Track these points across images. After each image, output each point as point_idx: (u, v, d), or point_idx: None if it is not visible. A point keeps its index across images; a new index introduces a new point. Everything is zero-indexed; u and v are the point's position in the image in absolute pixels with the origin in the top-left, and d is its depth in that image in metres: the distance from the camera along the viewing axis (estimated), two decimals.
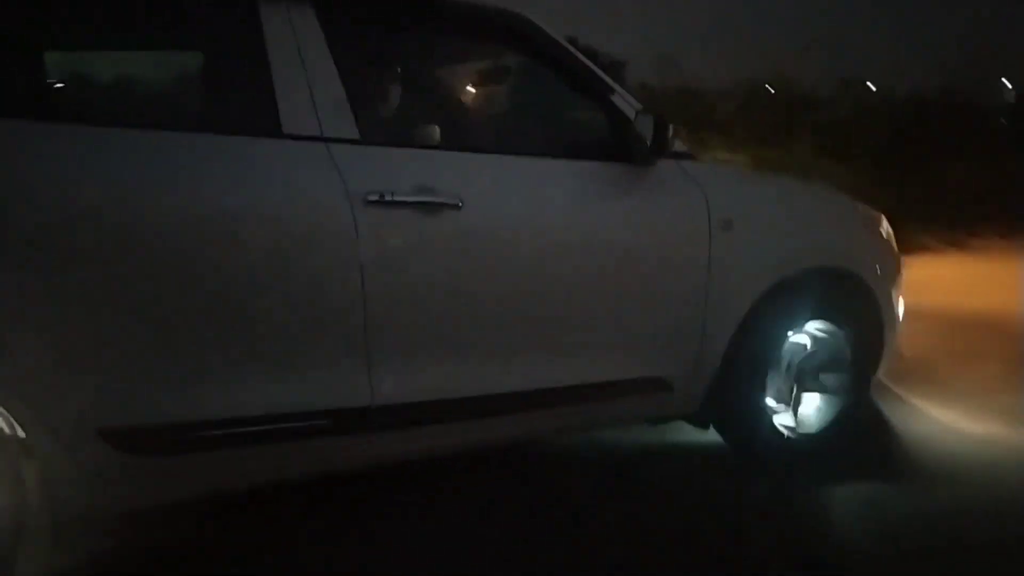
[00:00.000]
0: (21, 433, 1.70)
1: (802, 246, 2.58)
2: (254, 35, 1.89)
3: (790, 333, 2.62)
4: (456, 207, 2.01)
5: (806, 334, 2.69)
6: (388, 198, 1.92)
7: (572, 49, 2.30)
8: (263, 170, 1.85)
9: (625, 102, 2.32)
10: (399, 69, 2.33)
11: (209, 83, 2.13)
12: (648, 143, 2.23)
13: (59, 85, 2.13)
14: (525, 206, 2.16)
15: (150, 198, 1.72)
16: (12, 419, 1.67)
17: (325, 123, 1.92)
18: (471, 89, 2.55)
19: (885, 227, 2.92)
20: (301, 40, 1.93)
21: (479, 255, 2.08)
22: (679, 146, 2.39)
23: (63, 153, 1.65)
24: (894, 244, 2.95)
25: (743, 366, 2.49)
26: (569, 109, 2.44)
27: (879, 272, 2.76)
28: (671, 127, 2.22)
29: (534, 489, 2.45)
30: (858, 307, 2.71)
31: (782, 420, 2.67)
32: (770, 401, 2.64)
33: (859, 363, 2.73)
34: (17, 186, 1.62)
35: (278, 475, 1.96)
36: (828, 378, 2.70)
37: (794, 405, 2.68)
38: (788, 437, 2.66)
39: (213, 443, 1.82)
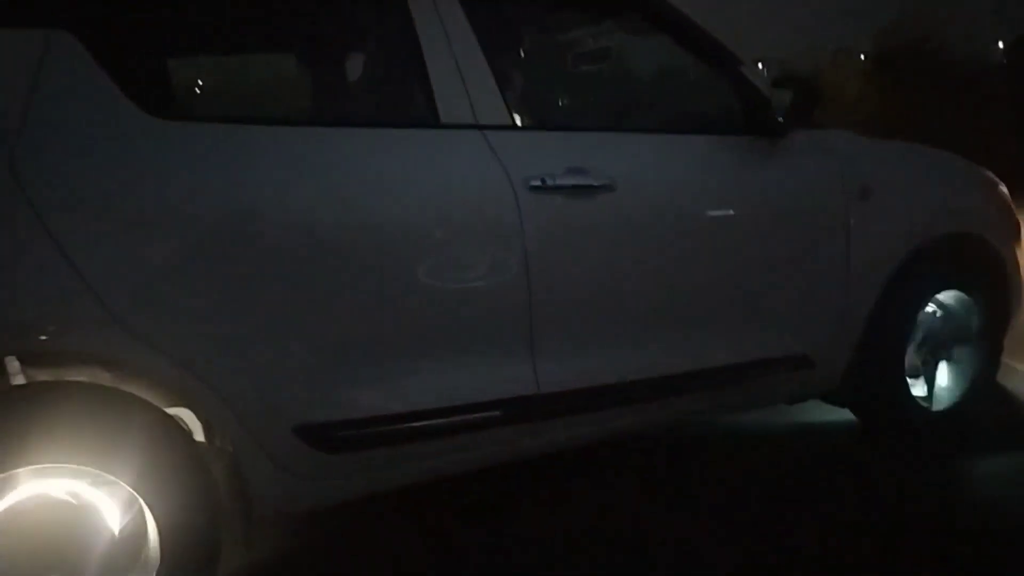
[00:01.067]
0: (212, 434, 1.72)
1: (937, 212, 2.53)
2: (406, 26, 1.87)
3: (927, 302, 2.57)
4: (610, 189, 1.98)
5: (939, 303, 2.65)
6: (549, 183, 1.90)
7: (701, 25, 2.28)
8: (427, 160, 1.84)
9: (755, 74, 2.29)
10: (538, 52, 2.31)
11: (370, 79, 2.12)
12: (782, 114, 2.21)
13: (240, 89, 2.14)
14: (671, 184, 2.13)
15: (331, 197, 1.71)
16: (207, 419, 1.68)
17: (478, 110, 1.91)
18: (601, 67, 2.51)
19: (1004, 191, 2.86)
20: (449, 30, 1.91)
21: (633, 237, 2.04)
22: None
23: (262, 152, 1.65)
24: (1013, 208, 2.89)
25: (884, 339, 2.45)
26: (698, 85, 2.40)
27: (1005, 236, 2.70)
28: (814, 94, 2.19)
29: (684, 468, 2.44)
30: (987, 274, 2.66)
31: (918, 393, 2.63)
32: (908, 377, 2.60)
33: (989, 332, 2.68)
34: (223, 190, 1.62)
35: (455, 467, 1.94)
36: (960, 348, 2.66)
37: (928, 377, 2.64)
38: (925, 410, 2.62)
39: (396, 437, 1.80)
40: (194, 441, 1.68)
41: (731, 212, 2.20)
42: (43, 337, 1.51)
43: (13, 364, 1.58)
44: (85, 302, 1.48)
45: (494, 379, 1.90)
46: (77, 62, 1.55)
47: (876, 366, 2.46)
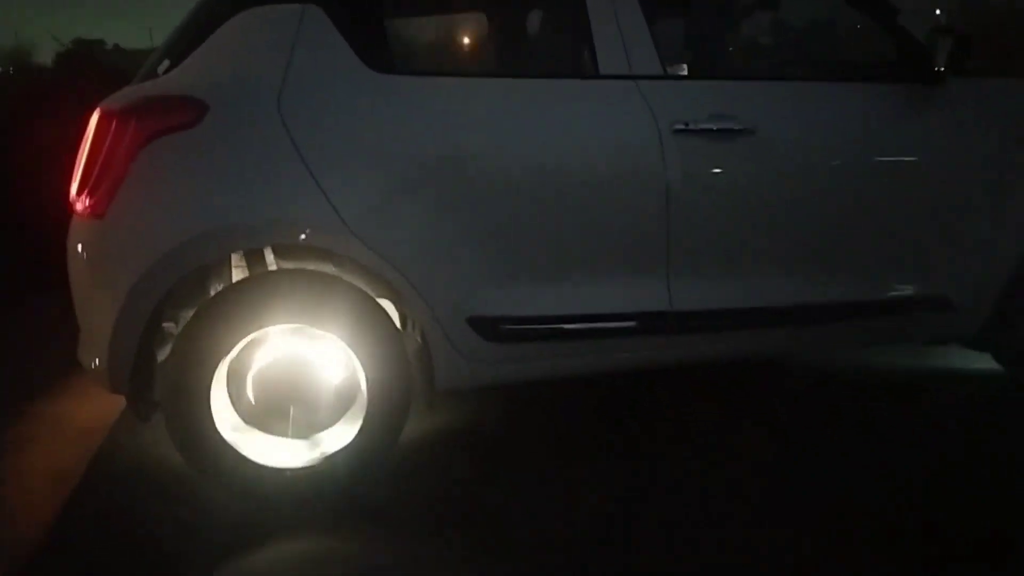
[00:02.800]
0: (406, 322, 2.22)
1: None
2: None
3: None
4: (751, 132, 2.21)
5: None
6: (692, 126, 2.17)
7: None
8: (588, 105, 2.17)
9: (910, 22, 2.36)
10: (689, 6, 2.54)
11: (545, 36, 2.48)
12: (939, 62, 2.27)
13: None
14: (813, 129, 2.30)
15: (513, 135, 2.12)
16: (403, 311, 2.18)
17: (634, 62, 2.20)
18: (754, 18, 2.69)
19: None
20: None
21: (773, 177, 2.27)
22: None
23: (460, 98, 2.10)
24: None
25: None
26: (854, 34, 2.50)
27: None
28: (966, 44, 2.24)
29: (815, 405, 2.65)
30: None
31: None
32: None
33: None
34: (430, 129, 2.08)
35: (596, 366, 2.32)
36: None
37: None
38: None
39: (548, 335, 2.21)
40: (394, 323, 2.18)
41: (872, 156, 2.33)
42: (293, 235, 2.05)
43: (269, 255, 2.17)
44: (325, 211, 2.00)
45: (634, 295, 2.24)
46: (323, 29, 2.05)
47: (1019, 314, 2.49)
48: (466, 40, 2.59)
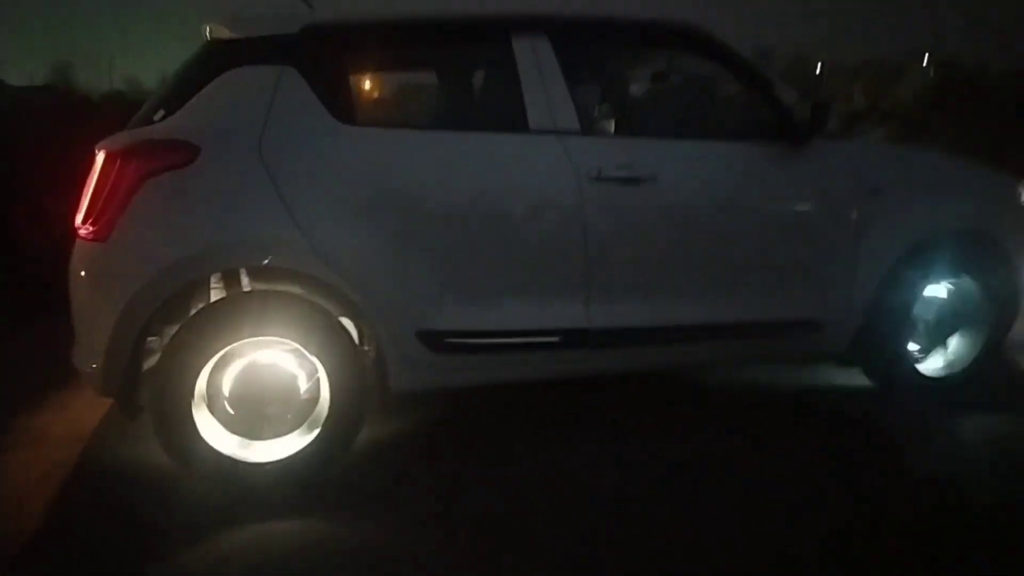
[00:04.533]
0: (363, 336, 2.58)
1: (942, 210, 3.03)
2: (509, 60, 2.65)
3: (930, 286, 3.07)
4: (652, 180, 2.68)
5: (946, 288, 3.13)
6: (604, 174, 2.63)
7: (738, 50, 2.90)
8: (520, 155, 2.62)
9: (784, 92, 2.89)
10: (604, 75, 3.03)
11: (484, 96, 2.93)
12: (805, 126, 2.80)
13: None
14: (705, 179, 2.79)
15: (454, 179, 2.55)
16: (365, 326, 2.55)
17: (557, 120, 2.66)
18: (653, 87, 3.20)
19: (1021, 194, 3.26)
20: (540, 61, 2.67)
21: (670, 217, 2.73)
22: (832, 126, 2.92)
23: (410, 146, 2.52)
24: None
25: (886, 313, 2.98)
26: (736, 100, 3.02)
27: (1015, 235, 3.14)
28: (827, 112, 2.77)
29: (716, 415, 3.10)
30: (994, 266, 3.11)
31: (921, 363, 3.13)
32: (911, 345, 3.11)
33: (995, 316, 3.13)
34: (385, 170, 2.48)
35: (526, 375, 2.72)
36: (964, 329, 3.13)
37: (931, 349, 3.14)
38: (925, 377, 3.12)
39: (485, 347, 2.61)
40: (353, 338, 2.54)
41: (753, 202, 2.83)
42: (267, 258, 2.41)
43: (244, 278, 2.52)
44: (297, 239, 2.38)
45: (557, 313, 2.66)
46: (297, 86, 2.45)
47: (878, 335, 3.00)
48: (418, 97, 3.04)
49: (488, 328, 2.60)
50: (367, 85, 2.90)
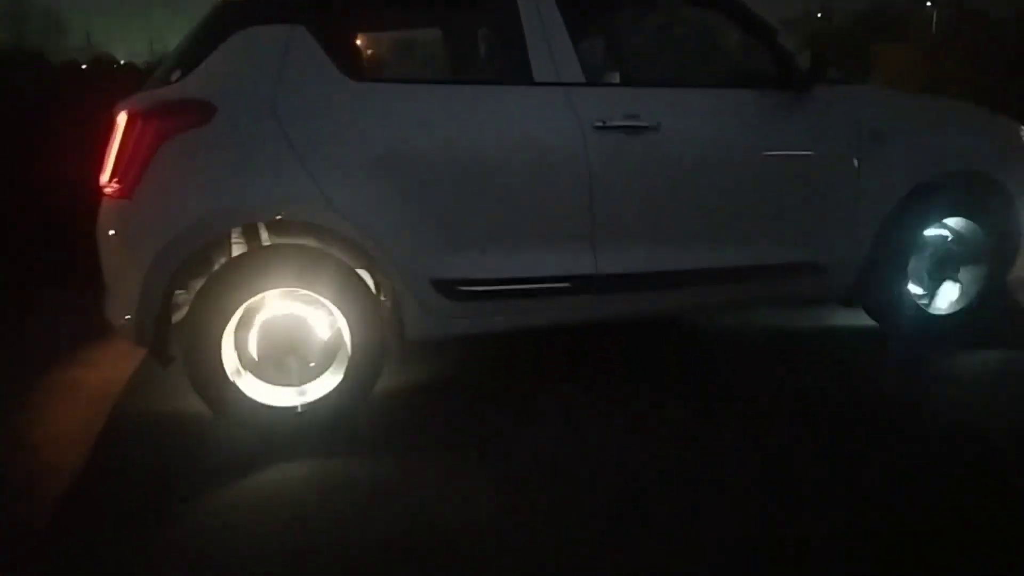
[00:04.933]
0: (379, 287, 2.69)
1: (943, 152, 3.08)
2: (513, 14, 2.71)
3: (932, 227, 3.14)
4: (655, 129, 2.74)
5: (948, 228, 3.19)
6: (608, 123, 2.70)
7: (744, 4, 2.94)
8: (525, 107, 2.69)
9: (787, 42, 2.93)
10: (608, 27, 3.08)
11: (489, 50, 2.99)
12: (807, 72, 2.85)
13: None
14: (707, 126, 2.86)
15: (463, 129, 2.63)
16: (381, 276, 2.65)
17: (561, 72, 2.72)
18: (654, 37, 3.25)
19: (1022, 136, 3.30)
20: (544, 13, 2.72)
21: (673, 164, 2.80)
22: (834, 73, 2.97)
23: (419, 100, 2.60)
24: None
25: (888, 254, 3.06)
26: (741, 48, 3.07)
27: (1016, 176, 3.18)
28: (826, 59, 2.81)
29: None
30: (996, 206, 3.17)
31: (923, 302, 3.21)
32: (913, 286, 3.19)
33: (996, 256, 3.20)
34: (395, 124, 2.57)
35: (538, 321, 2.82)
36: (967, 266, 3.20)
37: (933, 289, 3.21)
38: (929, 315, 3.20)
39: (496, 294, 2.71)
40: (371, 288, 2.65)
41: (756, 149, 2.89)
42: (288, 211, 2.51)
43: (263, 232, 2.62)
44: (315, 193, 2.47)
45: (566, 260, 2.75)
46: (307, 45, 2.52)
47: (880, 276, 3.08)
48: (425, 53, 3.10)
49: (499, 276, 2.69)
50: (375, 42, 2.97)
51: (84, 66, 15.01)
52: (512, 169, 2.67)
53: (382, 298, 2.71)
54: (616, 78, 2.86)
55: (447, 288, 2.66)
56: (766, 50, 2.93)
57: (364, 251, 2.60)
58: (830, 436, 2.49)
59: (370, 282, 2.69)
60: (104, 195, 2.51)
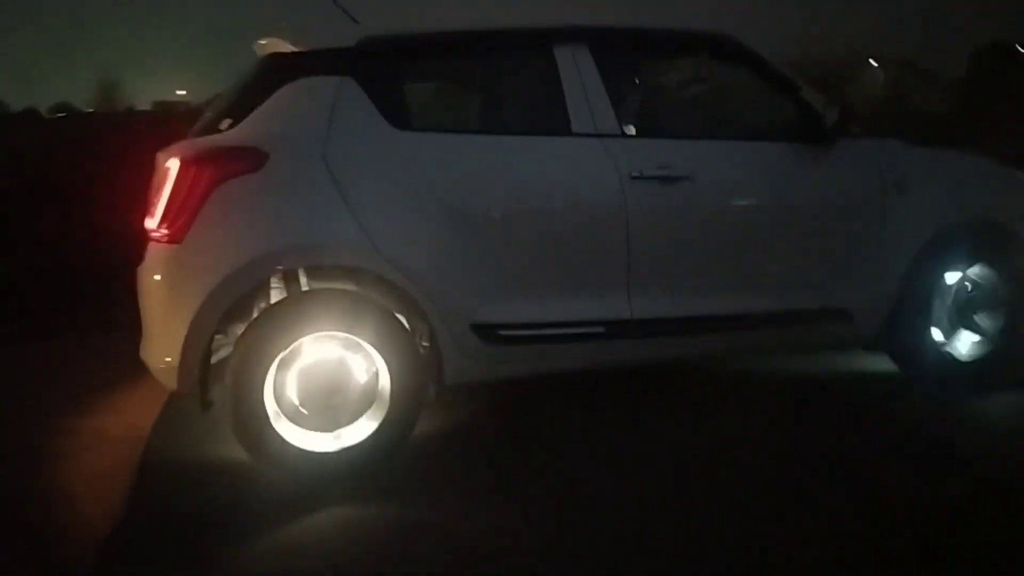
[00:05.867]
0: (419, 333, 2.70)
1: (960, 201, 3.18)
2: (552, 68, 2.80)
3: (953, 274, 3.21)
4: (690, 179, 2.82)
5: (967, 277, 3.27)
6: (644, 174, 2.77)
7: (766, 57, 3.06)
8: (564, 157, 2.76)
9: (811, 94, 3.04)
10: (640, 80, 3.19)
11: (530, 102, 3.08)
12: (833, 126, 2.95)
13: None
14: (738, 177, 2.94)
15: (506, 180, 2.71)
16: (418, 321, 2.67)
17: (598, 123, 2.80)
18: (684, 92, 3.36)
19: None
20: (581, 68, 2.82)
21: (706, 213, 2.88)
22: (856, 128, 3.08)
23: (462, 149, 2.69)
24: None
25: (912, 300, 3.11)
26: (767, 104, 3.18)
27: None
28: (852, 113, 2.92)
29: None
30: (1009, 253, 3.25)
31: (945, 348, 3.26)
32: (935, 332, 3.24)
33: (1014, 303, 3.26)
34: (440, 172, 2.64)
35: (573, 365, 2.85)
36: (985, 314, 3.26)
37: (954, 336, 3.27)
38: (949, 362, 3.24)
39: (536, 339, 2.74)
40: (410, 332, 2.67)
41: (784, 199, 2.98)
42: (336, 256, 2.55)
43: (302, 277, 2.64)
44: (362, 238, 2.51)
45: (602, 305, 2.79)
46: (357, 96, 2.60)
47: (905, 322, 3.13)
48: (468, 104, 3.20)
49: (538, 320, 2.72)
50: (420, 93, 3.05)
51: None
52: (553, 216, 2.73)
53: (418, 340, 2.72)
54: (648, 130, 2.95)
55: (487, 332, 2.68)
56: (792, 104, 3.04)
57: (406, 295, 2.62)
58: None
59: (406, 326, 2.71)
60: (152, 240, 2.53)
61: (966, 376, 3.25)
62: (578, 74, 2.80)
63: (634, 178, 2.76)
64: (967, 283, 3.29)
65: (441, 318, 2.64)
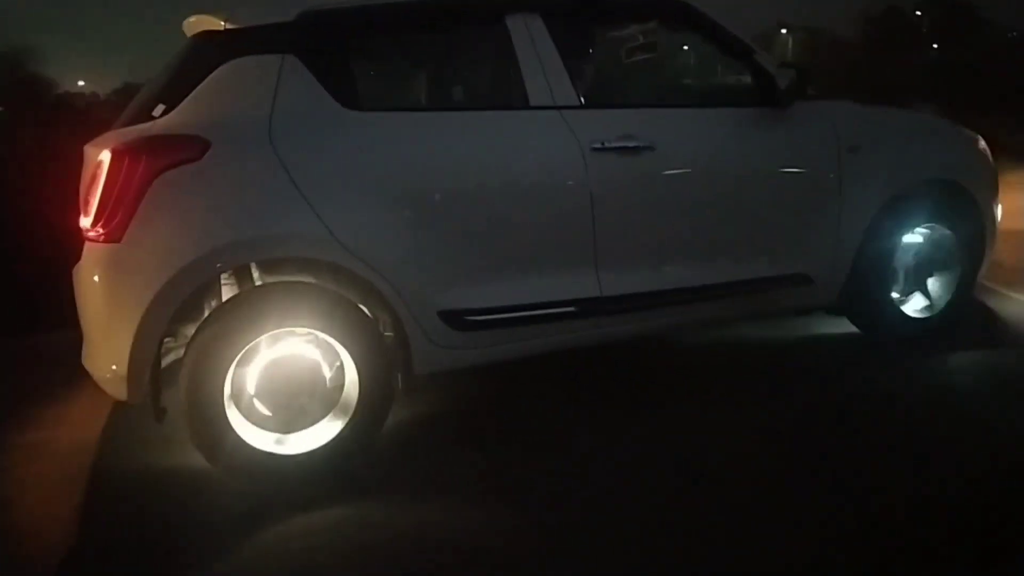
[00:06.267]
0: (382, 323, 2.58)
1: (916, 162, 3.20)
2: (505, 39, 2.68)
3: (909, 235, 3.25)
4: (651, 148, 2.75)
5: (922, 235, 3.31)
6: (606, 145, 2.69)
7: (721, 23, 3.00)
8: (523, 131, 2.66)
9: (764, 58, 3.00)
10: (599, 49, 3.09)
11: (483, 75, 2.95)
12: (788, 89, 2.91)
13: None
14: (698, 144, 2.89)
15: (460, 156, 2.57)
16: (380, 311, 2.55)
17: (555, 95, 2.70)
18: (637, 58, 3.28)
19: (982, 145, 3.47)
20: (535, 38, 2.71)
21: (668, 183, 2.82)
22: (810, 90, 3.06)
23: (412, 128, 2.54)
24: (991, 160, 3.50)
25: (870, 262, 3.14)
26: (721, 69, 3.13)
27: (980, 183, 3.34)
28: (806, 75, 2.89)
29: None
30: (964, 212, 3.31)
31: (904, 305, 3.31)
32: (892, 292, 3.29)
33: (966, 259, 3.33)
34: (394, 153, 2.50)
35: (545, 346, 2.76)
36: (939, 272, 3.32)
37: (911, 294, 3.32)
38: (907, 320, 3.30)
39: (505, 323, 2.64)
40: (376, 323, 2.54)
41: (745, 165, 2.94)
42: (294, 248, 2.40)
43: (255, 271, 2.49)
44: (319, 228, 2.37)
45: (571, 284, 2.72)
46: (301, 75, 2.43)
47: (864, 283, 3.16)
48: (418, 80, 3.04)
49: (506, 303, 2.63)
50: (368, 70, 2.88)
51: None
52: (515, 194, 2.63)
53: (384, 332, 2.61)
54: (606, 100, 2.87)
55: (455, 319, 2.58)
56: (747, 68, 3.00)
57: (367, 284, 2.50)
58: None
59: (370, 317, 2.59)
60: (87, 239, 2.33)
61: (923, 331, 3.31)
62: (532, 44, 2.69)
63: (595, 150, 2.68)
64: (921, 242, 3.34)
65: (407, 307, 2.52)
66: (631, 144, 2.73)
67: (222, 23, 2.49)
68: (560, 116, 2.69)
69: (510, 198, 2.63)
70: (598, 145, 2.68)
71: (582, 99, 2.75)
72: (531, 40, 2.70)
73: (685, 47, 3.16)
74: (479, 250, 2.60)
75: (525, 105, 2.68)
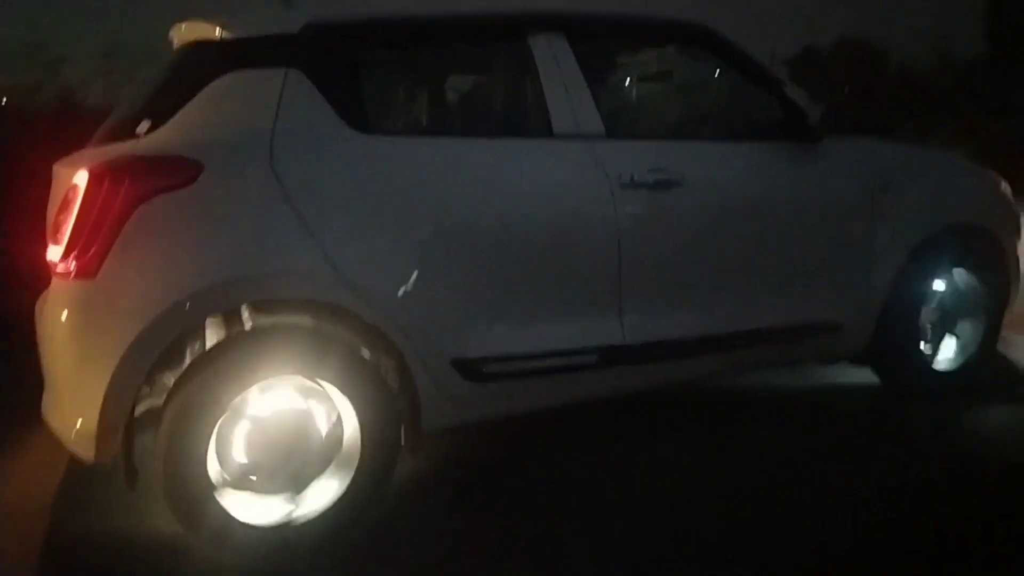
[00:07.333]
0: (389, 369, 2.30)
1: (945, 205, 3.06)
2: (528, 61, 2.46)
3: (937, 281, 3.09)
4: (680, 183, 2.54)
5: (948, 282, 3.16)
6: (637, 179, 2.47)
7: (749, 52, 2.83)
8: (547, 162, 2.42)
9: (795, 92, 2.83)
10: (625, 77, 2.89)
11: (504, 101, 2.71)
12: (818, 124, 2.75)
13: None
14: (726, 180, 2.68)
15: (477, 189, 2.32)
16: (386, 358, 2.27)
17: (581, 123, 2.48)
18: (655, 86, 3.09)
19: (1006, 188, 3.36)
20: (560, 61, 2.48)
21: (698, 221, 2.60)
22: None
23: (427, 155, 2.29)
24: (1014, 202, 3.39)
25: (899, 309, 2.96)
26: (750, 102, 2.95)
27: (1006, 227, 3.21)
28: (838, 110, 2.73)
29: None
30: (991, 258, 3.17)
31: (932, 358, 3.14)
32: (920, 342, 3.12)
33: (992, 308, 3.18)
34: (404, 182, 2.23)
35: (565, 398, 2.51)
36: (966, 319, 3.16)
37: (938, 344, 3.16)
38: (933, 373, 3.13)
39: (525, 373, 2.38)
40: (380, 372, 2.26)
41: (775, 204, 2.75)
42: (296, 287, 2.11)
43: (245, 313, 2.19)
44: (324, 265, 2.09)
45: (593, 331, 2.47)
46: (307, 93, 2.16)
47: (894, 332, 2.98)
48: (434, 101, 2.79)
49: (527, 351, 2.37)
50: (380, 91, 2.61)
51: None
52: (537, 231, 2.38)
53: (389, 382, 2.32)
54: (633, 130, 2.66)
55: (470, 369, 2.31)
56: (775, 101, 2.82)
57: (375, 330, 2.22)
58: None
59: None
60: (55, 274, 2.01)
61: (953, 385, 3.15)
62: (557, 67, 2.47)
63: (624, 185, 2.46)
64: (947, 290, 3.18)
65: (419, 355, 2.24)
66: (662, 178, 2.51)
67: (217, 31, 2.22)
68: (586, 146, 2.46)
69: (531, 234, 2.37)
70: (627, 179, 2.46)
71: (608, 128, 2.53)
72: (555, 63, 2.47)
73: (712, 73, 2.93)
74: (496, 291, 2.34)
75: (548, 132, 2.45)
